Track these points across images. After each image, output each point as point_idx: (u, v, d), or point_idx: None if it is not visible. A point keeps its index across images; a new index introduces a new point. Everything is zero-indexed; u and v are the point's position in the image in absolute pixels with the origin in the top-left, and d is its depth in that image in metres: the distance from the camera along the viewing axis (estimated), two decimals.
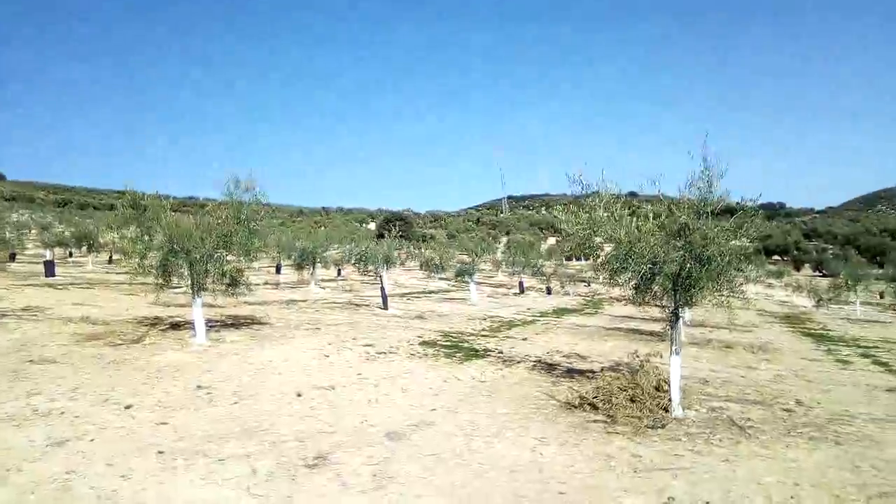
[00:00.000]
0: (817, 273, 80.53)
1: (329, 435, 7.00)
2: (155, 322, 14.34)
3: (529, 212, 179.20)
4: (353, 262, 25.24)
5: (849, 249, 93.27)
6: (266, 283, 29.99)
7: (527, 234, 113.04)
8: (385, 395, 8.99)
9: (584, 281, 47.05)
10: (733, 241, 8.27)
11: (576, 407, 8.61)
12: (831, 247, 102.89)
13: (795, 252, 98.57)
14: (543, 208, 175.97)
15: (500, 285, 44.32)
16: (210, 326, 13.46)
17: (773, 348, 17.33)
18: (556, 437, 7.28)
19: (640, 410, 8.20)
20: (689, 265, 8.08)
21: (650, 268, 8.17)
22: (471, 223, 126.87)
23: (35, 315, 14.58)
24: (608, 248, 8.77)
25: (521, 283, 39.52)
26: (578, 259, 72.88)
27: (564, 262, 63.41)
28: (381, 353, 12.20)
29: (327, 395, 8.87)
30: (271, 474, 5.72)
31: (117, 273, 29.29)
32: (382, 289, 22.92)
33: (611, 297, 34.70)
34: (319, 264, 30.53)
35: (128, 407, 7.69)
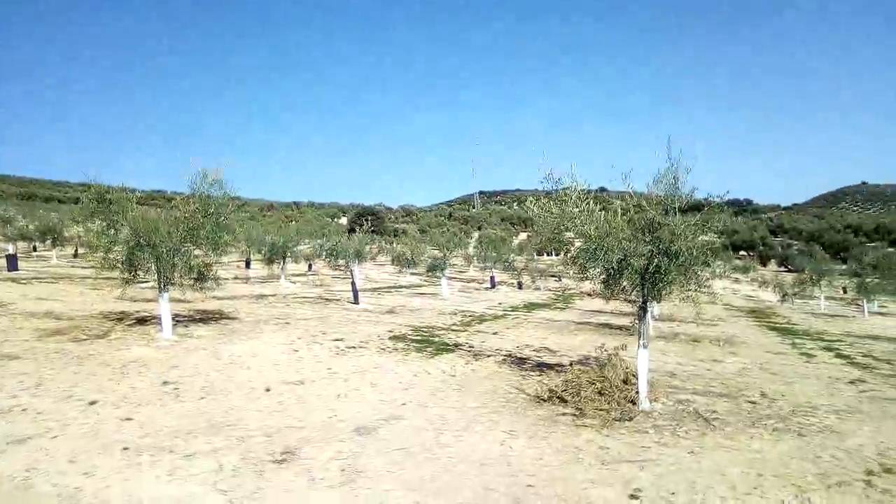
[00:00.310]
0: (783, 268, 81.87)
1: (297, 430, 6.96)
2: (121, 317, 14.11)
3: (501, 207, 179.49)
4: (323, 256, 25.12)
5: (813, 245, 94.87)
6: (235, 278, 29.70)
7: (498, 230, 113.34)
8: (354, 390, 8.96)
9: (555, 276, 47.28)
10: (701, 237, 8.38)
11: (545, 400, 8.66)
12: (796, 243, 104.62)
13: (762, 248, 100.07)
14: (515, 203, 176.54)
15: (472, 280, 44.39)
16: (177, 321, 13.30)
17: (739, 342, 17.60)
18: (526, 431, 7.32)
19: (608, 403, 8.29)
20: (657, 260, 8.17)
21: (619, 262, 8.25)
22: (443, 218, 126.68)
23: None
24: (579, 243, 8.82)
25: (492, 278, 39.62)
26: (549, 254, 73.25)
27: (536, 257, 63.69)
28: (351, 348, 12.16)
29: (296, 389, 8.82)
30: (238, 470, 5.68)
31: (83, 267, 28.76)
32: (353, 283, 22.84)
33: (581, 292, 35.00)
34: (290, 259, 30.31)
35: (92, 403, 7.57)
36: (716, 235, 8.86)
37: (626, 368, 9.11)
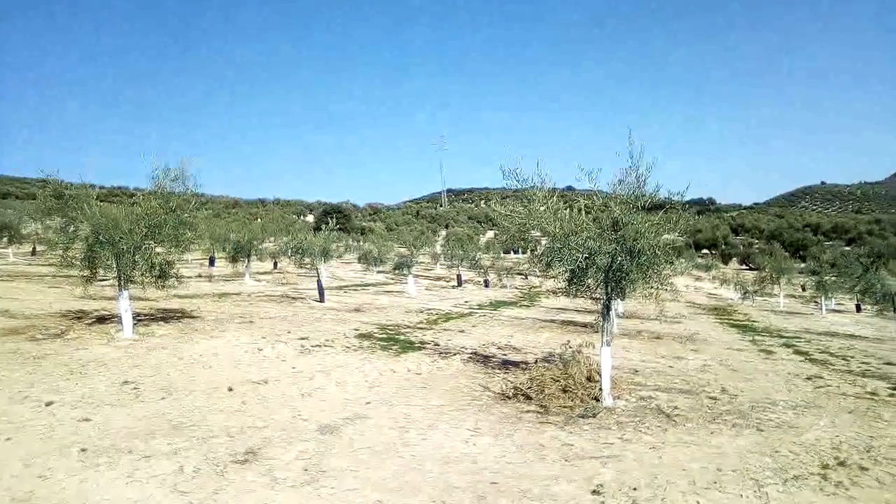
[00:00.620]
0: (744, 266, 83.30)
1: (260, 430, 6.89)
2: (80, 316, 13.82)
3: (469, 205, 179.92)
4: (289, 254, 24.88)
5: (773, 244, 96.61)
6: (199, 276, 29.30)
7: (465, 228, 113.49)
8: (319, 389, 8.90)
9: (522, 274, 47.52)
10: (665, 236, 8.50)
11: (510, 398, 8.71)
12: (757, 241, 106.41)
13: (724, 246, 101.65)
14: (482, 202, 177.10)
15: (439, 278, 44.41)
16: (138, 320, 13.07)
17: (701, 339, 17.88)
18: (490, 428, 7.35)
19: (572, 400, 8.36)
20: (620, 258, 8.25)
21: (584, 260, 8.31)
22: (410, 216, 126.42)
23: None
24: (545, 241, 8.88)
25: (459, 276, 39.68)
26: (516, 252, 73.61)
27: (502, 255, 63.93)
28: (316, 347, 12.08)
29: (259, 389, 8.73)
30: (199, 471, 5.60)
31: (41, 265, 28.12)
32: (319, 281, 22.70)
33: (547, 290, 35.20)
34: (255, 257, 29.98)
35: (48, 404, 7.40)
36: (679, 234, 8.98)
37: (590, 366, 9.20)
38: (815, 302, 38.59)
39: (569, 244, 8.30)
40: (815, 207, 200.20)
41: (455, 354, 12.25)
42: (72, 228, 12.02)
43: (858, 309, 36.58)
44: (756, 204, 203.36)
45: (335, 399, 8.42)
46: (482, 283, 40.96)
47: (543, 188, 8.66)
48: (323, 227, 25.05)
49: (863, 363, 14.22)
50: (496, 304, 26.98)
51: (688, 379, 10.92)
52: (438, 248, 61.47)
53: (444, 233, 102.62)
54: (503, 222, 9.05)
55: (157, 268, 12.29)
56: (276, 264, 39.79)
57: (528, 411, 8.12)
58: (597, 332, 8.92)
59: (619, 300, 10.92)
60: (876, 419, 8.41)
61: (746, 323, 25.61)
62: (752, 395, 9.72)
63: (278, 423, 7.17)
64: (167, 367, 9.72)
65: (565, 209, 8.64)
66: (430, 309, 22.40)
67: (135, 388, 8.35)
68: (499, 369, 10.90)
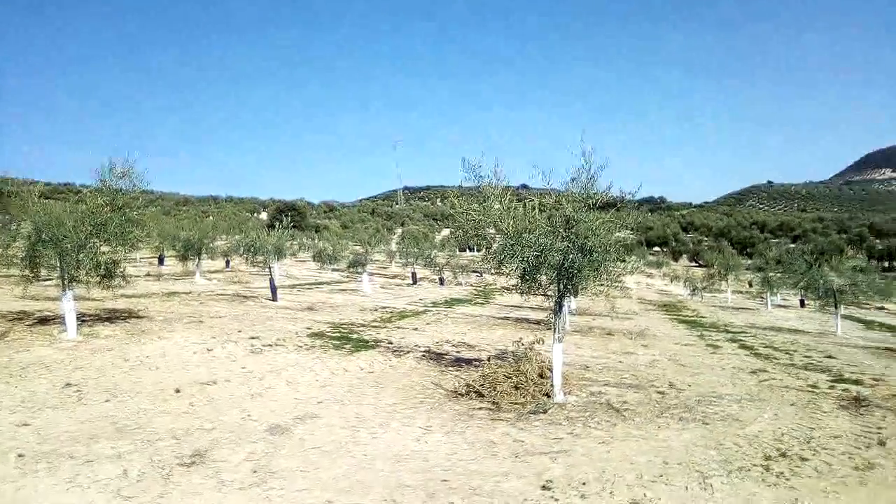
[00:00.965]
0: (693, 263, 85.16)
1: (208, 431, 6.77)
2: (21, 316, 13.38)
3: (425, 203, 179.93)
4: (241, 252, 24.50)
5: (722, 241, 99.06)
6: (147, 275, 28.62)
7: (421, 225, 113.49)
8: (269, 389, 8.78)
9: (477, 271, 47.69)
10: (617, 234, 8.62)
11: (462, 395, 8.73)
12: (706, 239, 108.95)
13: (674, 243, 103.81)
14: (439, 199, 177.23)
15: (394, 276, 44.29)
16: (83, 321, 12.71)
17: (651, 335, 18.21)
18: (442, 426, 7.36)
19: (524, 397, 8.42)
20: (572, 255, 8.33)
21: (536, 257, 8.37)
22: (366, 214, 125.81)
23: None
24: (499, 239, 8.92)
25: (414, 274, 39.65)
26: (472, 250, 73.85)
27: (458, 252, 64.08)
28: (267, 346, 11.91)
29: (208, 390, 8.57)
30: (144, 474, 5.47)
31: None
32: (271, 280, 22.41)
33: (501, 288, 35.43)
34: (206, 255, 29.43)
35: None
36: (630, 231, 9.13)
37: (542, 362, 9.28)
38: (761, 298, 39.64)
39: (521, 242, 8.35)
40: (762, 206, 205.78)
41: (408, 352, 12.23)
42: (13, 226, 11.62)
43: (802, 304, 37.70)
44: (706, 202, 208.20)
45: (286, 399, 8.32)
46: (437, 280, 40.99)
47: (498, 185, 8.71)
48: (276, 224, 24.73)
49: (805, 357, 14.66)
50: (451, 302, 27.03)
51: (637, 374, 11.10)
52: (394, 246, 61.26)
53: (399, 230, 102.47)
54: (459, 219, 9.07)
55: (103, 267, 11.97)
56: (228, 263, 39.14)
57: (480, 408, 8.15)
58: (549, 328, 8.99)
59: (571, 297, 11.04)
60: (816, 411, 8.67)
61: (695, 318, 26.18)
62: (699, 390, 9.94)
63: (227, 425, 7.05)
64: (112, 368, 9.48)
65: (519, 207, 8.70)
66: (384, 307, 22.32)
67: (78, 391, 8.12)
68: (452, 367, 10.91)
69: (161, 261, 35.11)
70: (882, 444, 7.11)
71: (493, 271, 9.52)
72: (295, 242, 49.09)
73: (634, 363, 12.42)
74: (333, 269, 41.49)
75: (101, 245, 11.93)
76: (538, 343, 9.87)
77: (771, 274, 37.54)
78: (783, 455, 6.56)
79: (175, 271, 30.98)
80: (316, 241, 55.58)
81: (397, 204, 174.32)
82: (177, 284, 25.20)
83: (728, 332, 20.66)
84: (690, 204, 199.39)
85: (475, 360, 11.53)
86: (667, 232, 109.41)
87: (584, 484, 5.58)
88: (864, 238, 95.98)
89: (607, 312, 22.75)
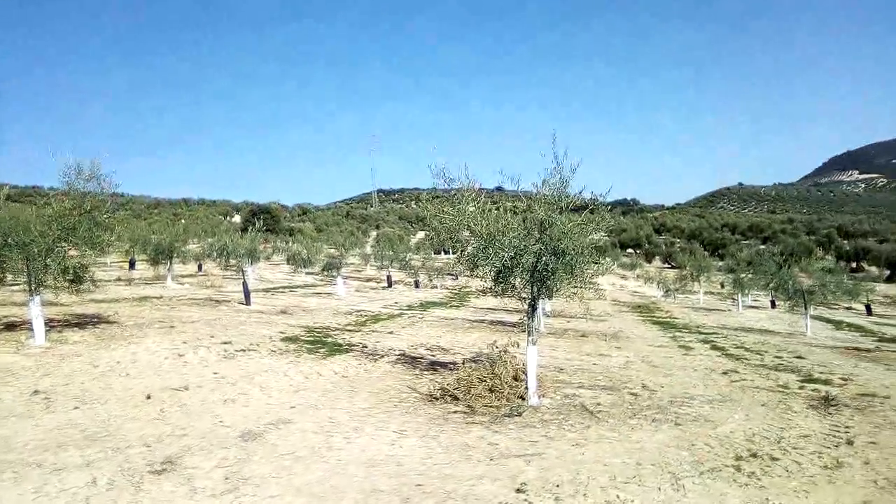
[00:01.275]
0: (666, 265, 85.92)
1: (179, 438, 6.68)
2: None
3: (400, 206, 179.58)
4: (214, 256, 24.27)
5: (694, 243, 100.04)
6: (118, 280, 28.23)
7: (396, 228, 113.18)
8: (242, 395, 8.70)
9: (452, 274, 47.73)
10: (591, 236, 8.68)
11: (437, 399, 8.72)
12: (679, 241, 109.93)
13: (647, 245, 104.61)
14: (413, 202, 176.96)
15: (369, 279, 44.15)
16: (51, 326, 12.49)
17: (625, 336, 18.36)
18: (417, 430, 7.33)
19: (499, 400, 8.43)
20: (545, 258, 8.36)
21: (510, 259, 8.38)
22: (340, 217, 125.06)
23: None
24: (473, 241, 8.92)
25: (389, 277, 39.56)
26: (447, 253, 73.86)
27: (433, 255, 64.06)
28: (240, 351, 11.80)
29: (180, 396, 8.46)
30: (113, 483, 5.38)
31: None
32: (245, 284, 22.22)
33: (477, 290, 35.47)
34: (177, 259, 29.10)
35: None
36: (604, 234, 9.21)
37: (517, 365, 9.30)
38: (733, 299, 40.14)
39: (494, 244, 8.36)
40: (732, 208, 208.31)
41: (383, 356, 12.19)
42: None
43: (773, 305, 38.22)
44: (678, 204, 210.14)
45: (259, 404, 8.25)
46: (413, 283, 40.94)
47: (471, 188, 8.72)
48: (250, 228, 24.54)
49: (776, 357, 14.87)
50: (426, 305, 27.02)
51: (611, 376, 11.18)
52: (369, 249, 61.17)
53: (374, 233, 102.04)
54: (433, 222, 9.06)
55: (71, 271, 11.77)
56: (200, 267, 38.75)
57: (454, 412, 8.14)
58: (524, 331, 9.01)
59: (546, 299, 11.10)
60: (787, 411, 8.79)
61: (668, 320, 26.44)
62: (672, 391, 10.03)
63: (198, 431, 6.96)
64: (81, 375, 9.32)
65: (493, 209, 8.72)
66: (359, 310, 22.24)
67: (46, 398, 7.97)
68: (427, 370, 10.90)
69: (132, 265, 34.66)
70: (850, 442, 7.22)
71: (467, 274, 9.52)
72: (268, 245, 48.78)
73: (608, 365, 12.51)
74: (308, 273, 41.27)
75: (69, 249, 11.74)
76: (513, 346, 9.89)
77: (742, 275, 38.05)
78: (754, 455, 6.64)
79: (146, 276, 30.61)
80: (290, 245, 55.26)
81: (372, 206, 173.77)
82: (148, 289, 24.87)
83: (700, 333, 20.90)
84: (663, 206, 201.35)
85: (450, 363, 11.53)
86: (640, 234, 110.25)
87: (558, 486, 5.60)
88: (833, 239, 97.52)
89: (582, 314, 22.92)
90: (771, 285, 26.20)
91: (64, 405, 7.73)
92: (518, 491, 5.48)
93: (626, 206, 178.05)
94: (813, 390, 10.40)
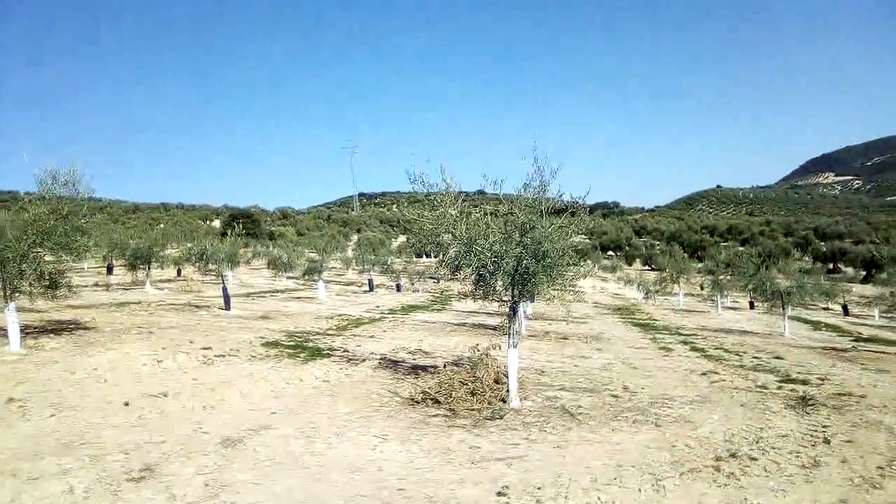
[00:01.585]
0: (646, 267, 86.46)
1: (158, 445, 6.61)
2: None
3: (381, 209, 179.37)
4: (193, 261, 24.05)
5: (674, 245, 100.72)
6: (96, 285, 27.90)
7: (377, 232, 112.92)
8: (222, 401, 8.62)
9: (434, 277, 47.71)
10: (573, 238, 8.72)
11: (418, 402, 8.71)
12: (658, 243, 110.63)
13: (627, 248, 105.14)
14: (395, 206, 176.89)
15: (351, 283, 44.01)
16: (26, 333, 12.29)
17: (605, 338, 18.45)
18: (398, 434, 7.32)
19: (480, 403, 8.44)
20: (526, 261, 8.39)
21: (491, 263, 8.40)
22: (321, 221, 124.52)
23: None
24: (454, 245, 8.93)
25: (370, 281, 39.48)
26: (428, 256, 73.83)
27: (414, 259, 64.04)
28: (219, 356, 11.69)
29: (158, 402, 8.37)
30: (91, 491, 5.31)
31: None
32: (224, 289, 22.04)
33: (458, 294, 35.51)
34: (156, 264, 28.83)
35: None
36: (584, 236, 9.26)
37: (498, 368, 9.32)
38: (712, 300, 40.49)
39: (475, 247, 8.38)
40: (711, 210, 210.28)
41: (364, 360, 12.15)
42: None
43: (752, 306, 38.64)
44: (657, 207, 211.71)
45: (239, 410, 8.19)
46: (394, 287, 40.88)
47: (450, 192, 8.73)
48: (229, 232, 24.37)
49: (754, 358, 15.01)
50: (408, 309, 26.98)
51: (591, 378, 11.22)
52: (350, 253, 60.94)
53: (355, 237, 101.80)
54: (413, 227, 9.07)
55: (47, 277, 11.61)
56: (179, 272, 38.40)
57: (436, 415, 8.14)
58: (505, 334, 9.03)
59: (527, 302, 11.14)
60: (765, 411, 8.87)
61: (648, 322, 26.60)
62: (652, 392, 10.09)
63: (178, 438, 6.89)
64: (58, 382, 9.18)
65: (473, 213, 8.74)
66: (340, 314, 22.15)
67: (21, 406, 7.84)
68: (408, 374, 10.87)
69: (110, 270, 34.28)
70: (827, 442, 7.31)
71: (448, 277, 9.53)
72: (249, 250, 48.48)
73: (589, 367, 12.56)
74: (289, 277, 41.07)
75: (45, 254, 11.58)
76: (494, 349, 9.90)
77: (721, 277, 38.41)
78: (733, 455, 6.69)
79: (124, 281, 30.24)
80: (270, 249, 54.95)
81: (353, 210, 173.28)
82: (126, 294, 24.60)
83: (680, 334, 21.05)
84: (643, 208, 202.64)
85: (431, 366, 11.52)
86: (620, 236, 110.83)
87: (539, 489, 5.61)
88: (810, 241, 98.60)
89: (563, 317, 23.01)
90: (749, 286, 26.43)
91: (40, 413, 7.62)
92: (500, 494, 5.48)
93: (607, 209, 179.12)
94: (791, 390, 10.52)
